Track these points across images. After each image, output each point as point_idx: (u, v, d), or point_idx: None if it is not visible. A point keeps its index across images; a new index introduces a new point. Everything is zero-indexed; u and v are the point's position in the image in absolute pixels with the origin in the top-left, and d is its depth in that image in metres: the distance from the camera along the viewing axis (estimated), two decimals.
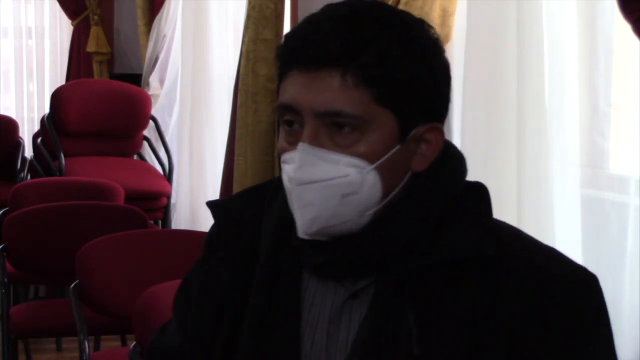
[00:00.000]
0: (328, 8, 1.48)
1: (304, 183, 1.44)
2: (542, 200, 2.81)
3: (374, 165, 1.44)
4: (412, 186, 1.48)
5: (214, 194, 5.38)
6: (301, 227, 1.46)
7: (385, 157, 1.45)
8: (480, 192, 1.51)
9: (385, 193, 1.46)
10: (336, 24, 1.44)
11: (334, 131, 1.44)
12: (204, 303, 1.59)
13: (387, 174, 1.45)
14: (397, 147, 1.45)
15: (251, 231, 1.57)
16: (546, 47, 2.83)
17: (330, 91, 1.42)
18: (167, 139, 6.22)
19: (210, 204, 1.64)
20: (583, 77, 2.81)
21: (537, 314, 1.43)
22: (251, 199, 1.61)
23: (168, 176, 6.06)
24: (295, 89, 1.45)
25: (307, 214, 1.45)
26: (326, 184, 1.43)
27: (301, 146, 1.43)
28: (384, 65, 1.42)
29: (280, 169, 4.87)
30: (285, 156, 1.47)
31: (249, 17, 4.70)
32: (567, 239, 2.71)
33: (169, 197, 5.91)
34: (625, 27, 2.44)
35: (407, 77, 1.44)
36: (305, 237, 1.46)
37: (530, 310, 1.43)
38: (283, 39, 1.49)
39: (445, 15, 3.23)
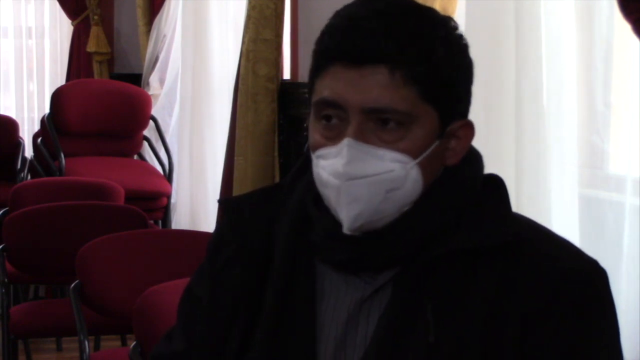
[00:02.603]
0: (363, 4, 1.48)
1: (352, 178, 1.45)
2: (539, 200, 2.81)
3: (417, 160, 1.46)
4: (439, 180, 1.50)
5: (214, 194, 5.38)
6: (346, 223, 1.46)
7: (427, 152, 1.47)
8: (497, 184, 1.54)
9: (425, 188, 1.48)
10: (380, 20, 1.44)
11: (379, 127, 1.45)
12: (216, 303, 1.59)
13: (427, 169, 1.47)
14: (437, 142, 1.48)
15: (264, 230, 1.57)
16: (544, 47, 2.83)
17: (378, 88, 1.44)
18: (167, 139, 6.22)
19: (222, 202, 1.65)
20: (581, 77, 2.82)
21: (549, 304, 1.45)
22: (264, 198, 1.61)
23: (168, 176, 6.06)
24: (340, 85, 1.45)
25: (353, 210, 1.46)
26: (373, 179, 1.45)
27: (348, 141, 1.44)
28: (431, 62, 1.44)
29: (280, 170, 4.83)
30: (322, 151, 1.48)
31: (249, 17, 4.71)
32: None
33: (169, 197, 5.91)
34: (624, 27, 2.45)
35: (451, 73, 1.47)
36: (349, 232, 1.47)
37: (542, 300, 1.45)
38: (322, 35, 1.49)
39: (445, 14, 3.22)
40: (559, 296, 1.45)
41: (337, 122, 1.47)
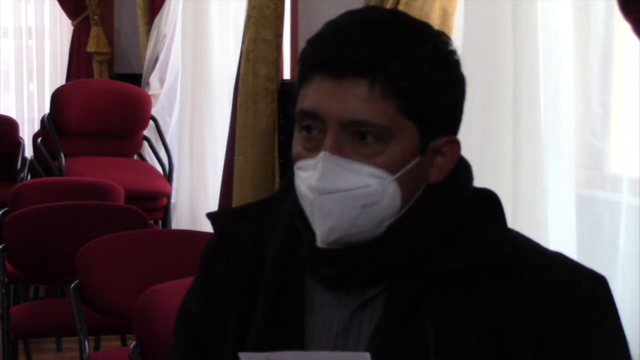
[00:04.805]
0: (351, 15, 1.46)
1: (326, 192, 1.43)
2: (537, 200, 2.81)
3: (395, 176, 1.44)
4: (425, 196, 1.48)
5: (214, 194, 5.38)
6: (320, 236, 1.45)
7: (406, 168, 1.44)
8: (491, 200, 1.52)
9: (404, 204, 1.46)
10: (364, 32, 1.42)
11: (357, 140, 1.43)
12: (208, 320, 1.57)
13: (406, 185, 1.45)
14: (417, 158, 1.45)
15: (255, 245, 1.56)
16: (541, 48, 2.84)
17: (357, 100, 1.41)
18: (167, 139, 6.22)
19: (212, 216, 1.62)
20: (578, 77, 2.82)
21: (555, 322, 1.44)
22: (255, 212, 1.59)
23: (168, 176, 6.06)
24: (320, 96, 1.43)
25: (326, 223, 1.44)
26: (348, 194, 1.43)
27: (324, 155, 1.42)
28: (412, 77, 1.42)
29: (280, 170, 4.83)
30: (301, 163, 1.46)
31: (249, 17, 4.70)
32: (561, 238, 2.72)
33: (169, 197, 5.91)
34: (621, 27, 2.45)
35: (433, 89, 1.44)
36: (323, 245, 1.45)
37: (548, 318, 1.44)
38: (306, 44, 1.47)
39: (445, 15, 3.23)
40: (567, 313, 1.44)
41: (317, 133, 1.45)
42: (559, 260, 1.51)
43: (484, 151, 2.93)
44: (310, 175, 1.44)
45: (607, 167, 2.85)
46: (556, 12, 2.82)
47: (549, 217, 2.79)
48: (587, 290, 1.47)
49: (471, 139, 3.00)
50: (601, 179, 2.83)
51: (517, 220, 2.78)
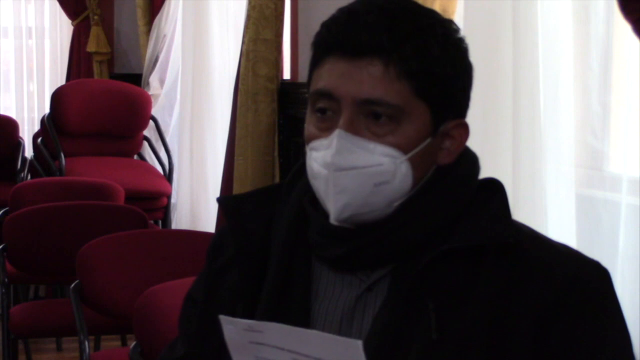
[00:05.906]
0: (364, 1, 1.50)
1: (341, 169, 1.46)
2: (536, 200, 2.81)
3: (408, 156, 1.47)
4: (434, 179, 1.51)
5: (214, 194, 5.38)
6: (333, 213, 1.48)
7: (418, 148, 1.48)
8: (496, 188, 1.55)
9: (415, 184, 1.49)
10: (378, 15, 1.46)
11: (371, 120, 1.47)
12: (212, 304, 1.60)
13: (417, 165, 1.49)
14: (429, 140, 1.49)
15: (262, 230, 1.58)
16: (541, 48, 2.83)
17: (372, 80, 1.45)
18: (168, 139, 6.23)
19: (221, 200, 1.64)
20: (577, 77, 2.82)
21: (557, 307, 1.46)
22: (263, 198, 1.62)
23: (168, 176, 6.07)
24: (334, 76, 1.47)
25: (340, 200, 1.47)
26: (361, 171, 1.46)
27: (339, 132, 1.46)
28: (426, 59, 1.46)
29: (280, 170, 4.80)
30: (314, 143, 1.49)
31: (249, 17, 4.71)
32: (560, 238, 2.71)
33: (169, 197, 5.92)
34: (621, 27, 2.45)
35: (446, 72, 1.48)
36: (335, 223, 1.48)
37: (547, 303, 1.46)
38: (321, 27, 1.50)
39: (445, 15, 3.23)
40: (566, 300, 1.46)
41: (331, 114, 1.48)
42: (565, 249, 1.54)
43: (483, 151, 2.90)
44: (325, 154, 1.47)
45: (607, 167, 2.85)
46: (556, 12, 2.82)
47: (549, 217, 2.79)
48: (587, 281, 1.49)
49: (471, 138, 2.98)
50: (601, 179, 2.83)
51: (516, 219, 2.78)
